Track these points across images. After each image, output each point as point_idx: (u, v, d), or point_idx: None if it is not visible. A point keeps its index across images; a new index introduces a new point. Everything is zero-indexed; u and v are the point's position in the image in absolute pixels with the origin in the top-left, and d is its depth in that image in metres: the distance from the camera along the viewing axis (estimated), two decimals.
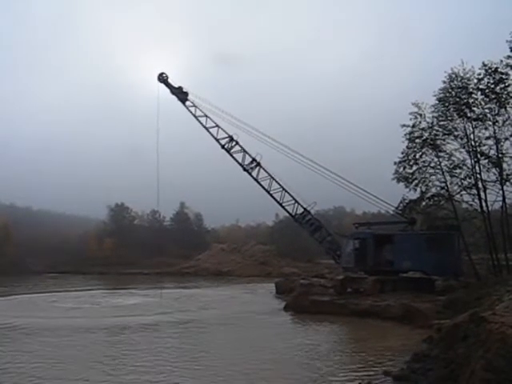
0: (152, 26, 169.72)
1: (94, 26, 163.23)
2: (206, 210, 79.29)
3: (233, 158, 32.44)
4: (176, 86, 34.14)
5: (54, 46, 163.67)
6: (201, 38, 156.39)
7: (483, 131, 22.64)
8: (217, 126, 32.61)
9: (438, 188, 23.81)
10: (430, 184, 23.89)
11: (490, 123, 22.30)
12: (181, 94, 33.70)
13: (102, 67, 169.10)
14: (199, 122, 33.21)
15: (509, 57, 21.30)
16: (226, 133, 32.36)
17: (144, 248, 66.82)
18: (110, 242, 69.24)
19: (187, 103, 33.79)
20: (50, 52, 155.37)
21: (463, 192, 23.36)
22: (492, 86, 21.91)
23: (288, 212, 32.00)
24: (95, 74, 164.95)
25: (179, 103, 34.28)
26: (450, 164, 23.39)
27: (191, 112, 33.52)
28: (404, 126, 23.88)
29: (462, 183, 23.12)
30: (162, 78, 34.36)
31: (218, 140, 32.63)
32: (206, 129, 32.94)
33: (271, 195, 31.62)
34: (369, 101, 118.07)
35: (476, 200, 22.81)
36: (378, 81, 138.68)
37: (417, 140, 23.83)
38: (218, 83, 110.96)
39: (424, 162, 23.82)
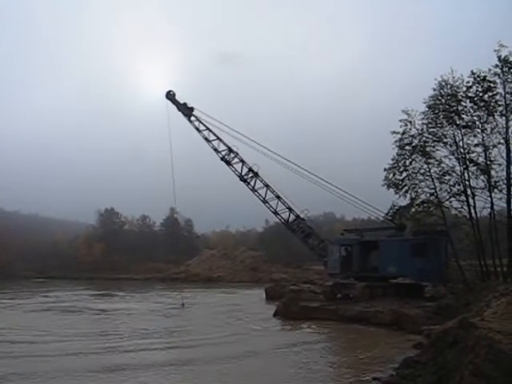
0: (152, 26, 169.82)
1: (94, 27, 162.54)
2: (196, 216, 79.19)
3: (231, 169, 32.69)
4: (181, 102, 34.34)
5: (53, 46, 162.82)
6: (201, 39, 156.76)
7: (472, 138, 22.80)
8: (218, 138, 32.92)
9: (428, 194, 23.88)
10: (420, 190, 23.93)
11: (479, 131, 22.46)
12: (186, 110, 34.04)
13: (99, 69, 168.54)
14: (202, 135, 33.47)
15: (496, 66, 21.57)
16: (226, 145, 32.63)
17: (134, 253, 66.41)
18: (99, 247, 68.68)
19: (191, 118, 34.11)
20: (48, 53, 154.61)
21: (452, 199, 23.47)
22: (480, 94, 22.13)
23: (281, 220, 32.09)
24: (92, 75, 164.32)
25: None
26: (440, 171, 23.48)
27: (195, 126, 33.76)
28: (394, 132, 23.98)
29: (451, 190, 23.21)
30: (170, 96, 34.73)
31: (218, 152, 32.92)
32: (209, 142, 33.26)
33: (267, 204, 31.75)
34: (366, 103, 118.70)
35: (465, 207, 22.91)
36: (377, 83, 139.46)
37: (407, 147, 23.95)
38: (216, 83, 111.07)
39: (414, 168, 23.88)
